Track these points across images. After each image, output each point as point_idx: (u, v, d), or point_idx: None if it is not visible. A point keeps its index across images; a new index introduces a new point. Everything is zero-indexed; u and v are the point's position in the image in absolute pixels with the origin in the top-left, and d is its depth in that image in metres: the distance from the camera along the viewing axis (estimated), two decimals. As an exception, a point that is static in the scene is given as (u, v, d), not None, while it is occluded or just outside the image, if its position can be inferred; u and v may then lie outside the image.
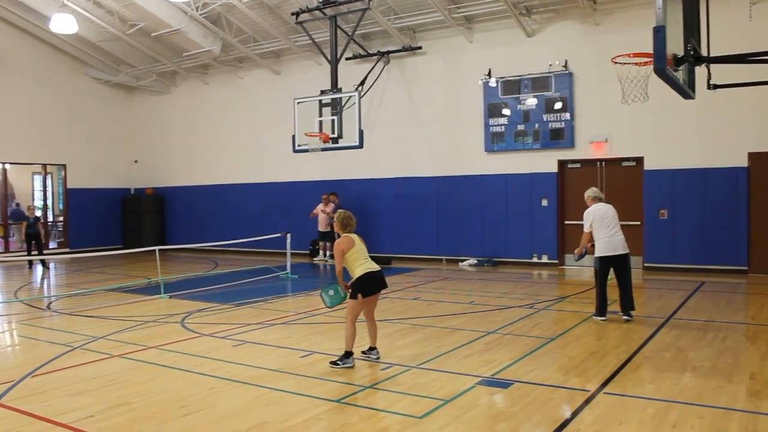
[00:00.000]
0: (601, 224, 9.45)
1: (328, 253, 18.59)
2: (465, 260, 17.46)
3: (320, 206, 18.52)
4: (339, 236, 7.41)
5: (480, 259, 17.23)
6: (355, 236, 7.38)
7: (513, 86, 16.67)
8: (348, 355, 7.17)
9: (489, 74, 16.85)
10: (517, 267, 16.59)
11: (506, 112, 16.77)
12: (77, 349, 8.35)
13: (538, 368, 6.95)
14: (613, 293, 9.66)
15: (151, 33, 19.87)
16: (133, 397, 6.24)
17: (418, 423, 5.35)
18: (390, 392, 6.21)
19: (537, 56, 16.31)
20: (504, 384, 6.39)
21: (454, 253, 17.79)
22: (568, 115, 15.96)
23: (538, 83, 16.30)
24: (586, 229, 9.62)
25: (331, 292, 7.48)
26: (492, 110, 16.96)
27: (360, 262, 7.24)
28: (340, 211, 7.62)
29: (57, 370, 7.31)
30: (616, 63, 9.91)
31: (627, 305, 9.50)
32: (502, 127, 16.88)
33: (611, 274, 9.54)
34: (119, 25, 20.18)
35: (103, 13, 19.82)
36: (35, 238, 18.79)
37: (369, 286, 7.23)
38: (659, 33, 5.89)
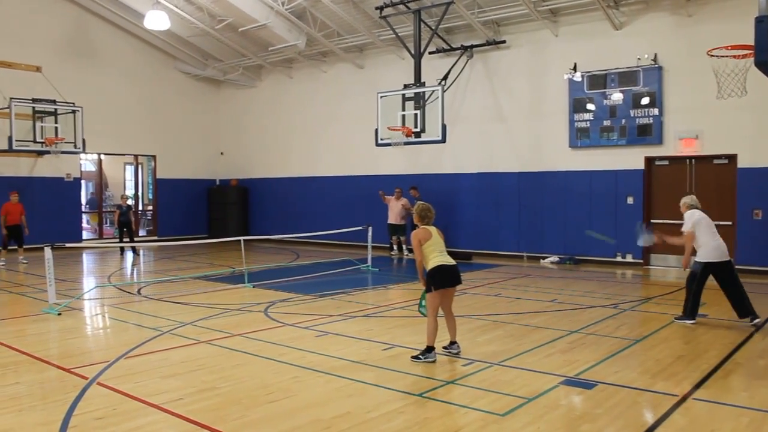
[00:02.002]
0: (708, 230, 9.10)
1: (404, 247, 18.61)
2: (546, 258, 17.22)
3: (392, 198, 18.57)
4: (417, 227, 7.46)
5: (562, 256, 16.96)
6: (433, 228, 7.40)
7: (599, 81, 16.29)
8: (429, 349, 7.19)
9: (574, 68, 16.52)
10: (600, 266, 16.24)
11: (591, 107, 16.41)
12: (166, 333, 8.67)
13: (623, 370, 6.81)
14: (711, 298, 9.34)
15: (239, 28, 20.36)
16: (220, 383, 6.44)
17: (500, 420, 5.33)
18: (472, 388, 6.20)
19: (625, 50, 15.88)
20: (588, 385, 6.29)
21: (535, 250, 17.56)
22: (656, 111, 15.49)
23: (626, 77, 15.87)
24: (688, 230, 9.21)
25: (425, 303, 7.44)
26: (577, 105, 16.64)
27: (435, 254, 7.25)
28: (419, 203, 7.69)
29: (148, 353, 7.62)
30: (712, 56, 9.58)
31: (748, 309, 9.07)
32: (587, 122, 16.54)
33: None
34: (208, 21, 20.76)
35: (193, 9, 20.44)
36: (127, 225, 19.32)
37: (442, 279, 7.19)
38: (762, 24, 5.67)
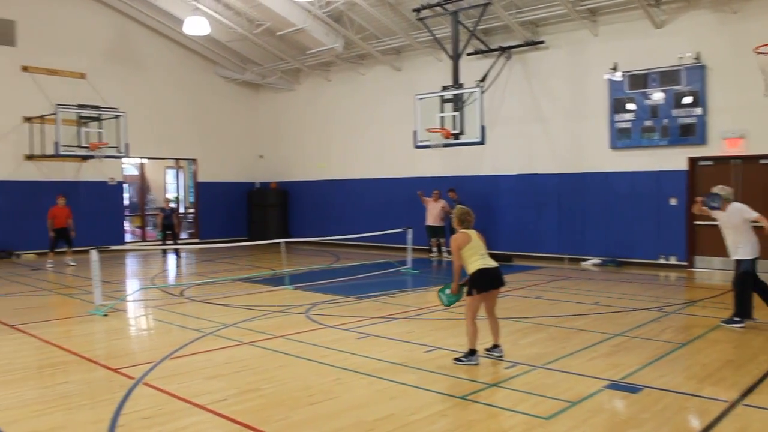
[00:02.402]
0: (750, 225, 8.86)
1: (443, 249, 18.57)
2: (587, 260, 17.02)
3: (430, 200, 18.54)
4: (456, 232, 7.43)
5: (603, 258, 16.76)
6: (472, 232, 7.37)
7: (640, 80, 16.06)
8: (472, 352, 7.17)
9: (614, 68, 16.31)
10: (642, 268, 16.00)
11: (632, 107, 16.19)
12: (209, 335, 8.78)
13: (668, 374, 6.70)
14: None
15: (277, 32, 20.55)
16: (263, 384, 6.50)
17: (544, 424, 5.29)
18: (515, 391, 6.16)
19: (666, 48, 15.62)
20: (633, 389, 6.20)
21: (576, 252, 17.38)
22: (699, 110, 15.22)
23: (667, 77, 15.62)
24: (755, 216, 8.75)
25: (448, 291, 7.51)
26: (617, 105, 16.43)
27: (476, 258, 7.21)
28: (458, 207, 7.68)
29: (192, 354, 7.73)
30: (759, 53, 9.36)
31: None
32: (628, 123, 16.32)
33: None
34: (247, 26, 20.99)
35: (232, 14, 20.68)
36: (171, 228, 19.47)
37: (485, 282, 7.16)
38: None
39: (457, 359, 7.22)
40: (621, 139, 16.45)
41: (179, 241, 20.97)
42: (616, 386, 6.30)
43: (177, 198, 26.00)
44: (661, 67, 15.67)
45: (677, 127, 15.53)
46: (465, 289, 7.30)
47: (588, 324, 9.32)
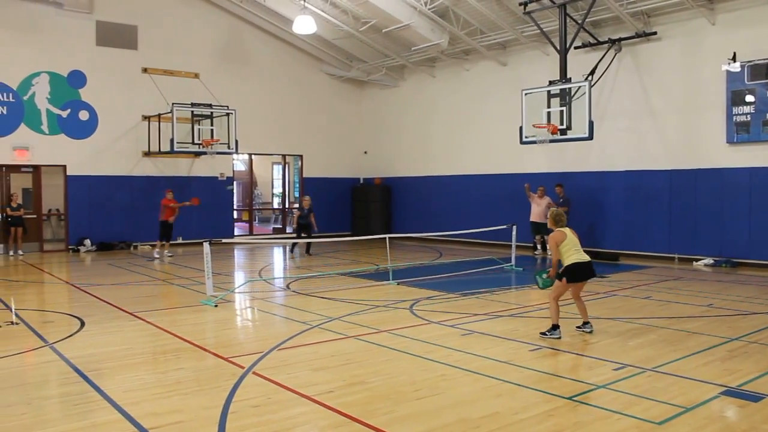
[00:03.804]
0: None
1: (547, 246, 18.23)
2: (700, 260, 16.30)
3: (535, 196, 18.20)
4: (553, 230, 8.46)
5: (717, 258, 16.00)
6: (567, 230, 8.41)
7: (761, 71, 15.21)
8: (555, 327, 8.17)
9: (733, 58, 15.49)
10: (761, 269, 15.17)
11: (752, 99, 15.37)
12: (315, 327, 8.96)
13: (792, 382, 6.34)
14: None
15: (382, 29, 20.72)
16: (369, 377, 6.57)
17: (656, 429, 5.11)
18: (625, 394, 5.97)
19: (792, 37, 14.76)
20: (753, 397, 5.88)
21: (687, 251, 16.67)
22: (828, 102, 14.29)
23: (792, 67, 14.75)
24: None
25: (545, 276, 8.55)
26: (735, 98, 15.63)
27: (571, 252, 8.25)
28: (552, 210, 8.83)
29: (299, 346, 7.91)
30: None
31: None
32: (748, 116, 15.50)
33: None
34: (352, 23, 21.27)
35: (338, 12, 21.02)
36: (306, 228, 18.90)
37: (576, 274, 8.24)
38: None
39: (542, 333, 8.25)
40: (739, 132, 15.64)
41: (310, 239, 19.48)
42: (733, 393, 6.00)
43: (282, 193, 26.66)
44: (785, 57, 14.80)
45: (802, 120, 14.63)
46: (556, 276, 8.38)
47: (701, 327, 8.92)
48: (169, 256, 18.03)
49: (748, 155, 15.61)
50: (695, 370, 6.76)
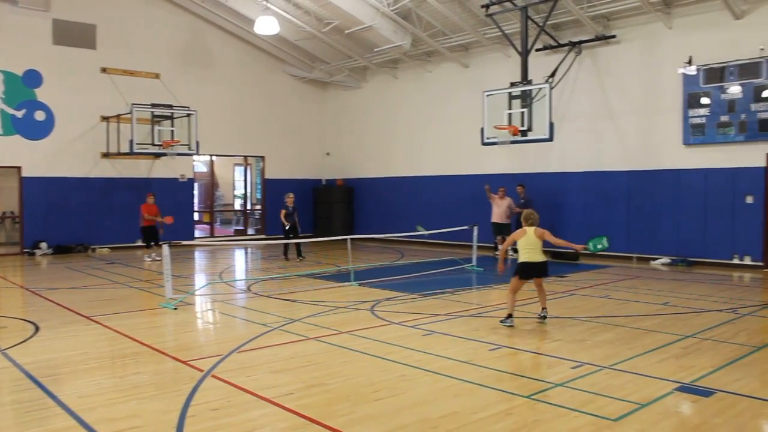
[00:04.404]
0: None
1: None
2: (657, 259, 16.59)
3: (496, 197, 18.32)
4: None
5: (674, 258, 16.31)
6: (531, 230, 9.07)
7: (716, 74, 15.55)
8: (509, 316, 8.95)
9: (689, 62, 15.81)
10: (715, 268, 15.51)
11: (707, 101, 15.69)
12: (276, 329, 8.91)
13: (744, 378, 6.48)
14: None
15: (345, 30, 20.71)
16: (328, 379, 6.56)
17: (612, 426, 5.18)
18: (582, 391, 6.05)
19: (746, 40, 15.05)
20: (705, 392, 6.01)
21: (645, 251, 16.95)
22: (780, 105, 14.63)
23: (746, 70, 15.05)
24: None
25: (599, 246, 9.46)
26: (692, 100, 15.94)
27: (524, 252, 9.05)
28: (525, 211, 9.44)
29: (259, 348, 7.86)
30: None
31: None
32: (703, 118, 15.82)
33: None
34: (315, 24, 21.22)
35: (300, 13, 20.95)
36: (293, 228, 17.81)
37: (525, 272, 9.08)
38: None
39: (501, 320, 9.00)
40: (695, 134, 15.96)
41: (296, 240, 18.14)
42: (687, 389, 6.12)
43: (244, 194, 26.48)
44: (740, 60, 15.13)
45: (756, 122, 14.97)
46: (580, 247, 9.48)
47: (657, 325, 9.08)
48: (157, 260, 17.46)
49: (703, 156, 15.94)
50: (651, 367, 6.88)
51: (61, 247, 19.88)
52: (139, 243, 18.23)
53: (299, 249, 18.12)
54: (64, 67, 20.16)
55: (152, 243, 17.88)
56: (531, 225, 9.10)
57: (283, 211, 17.80)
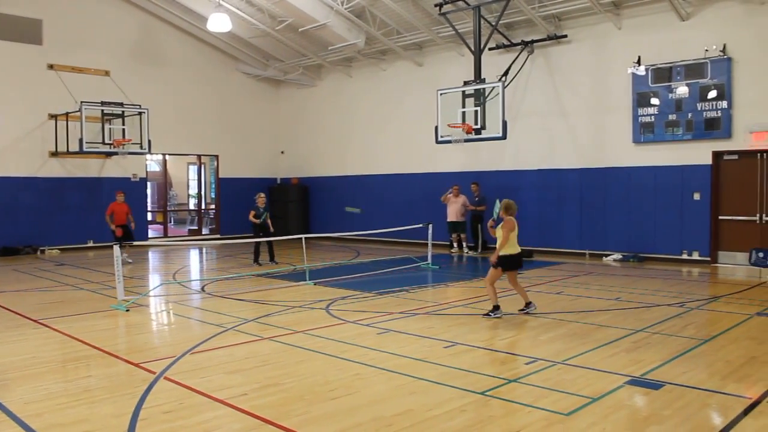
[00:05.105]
0: None
1: (464, 244, 18.59)
2: (609, 255, 16.90)
3: (450, 195, 18.44)
4: (503, 219, 9.38)
5: (625, 254, 16.62)
6: (514, 220, 9.39)
7: (664, 74, 15.89)
8: (496, 308, 9.21)
9: (638, 62, 16.14)
10: (664, 263, 15.86)
11: (656, 101, 16.02)
12: (230, 330, 8.82)
13: (691, 370, 6.63)
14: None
15: (299, 28, 20.60)
16: (283, 379, 6.52)
17: (564, 420, 5.25)
18: (535, 387, 6.13)
19: (691, 41, 15.44)
20: (654, 385, 6.14)
21: (597, 247, 17.26)
22: (725, 104, 15.01)
23: (692, 70, 15.42)
24: None
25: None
26: (641, 100, 16.26)
27: (515, 242, 9.35)
28: (505, 200, 9.60)
29: (212, 349, 7.77)
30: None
31: None
32: (652, 117, 16.15)
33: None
34: (269, 22, 21.06)
35: (254, 11, 20.78)
36: (264, 230, 16.51)
37: (510, 263, 9.29)
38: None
39: (485, 314, 9.25)
40: (644, 133, 16.29)
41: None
42: (637, 382, 6.24)
43: (198, 194, 26.17)
44: (686, 61, 15.49)
45: (702, 121, 15.34)
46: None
47: (609, 320, 9.25)
48: (129, 262, 17.09)
49: (652, 154, 16.27)
50: (602, 361, 7.00)
51: (8, 248, 19.34)
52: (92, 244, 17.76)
53: (272, 252, 16.79)
54: (8, 63, 19.58)
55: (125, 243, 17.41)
56: (513, 215, 9.45)
57: (253, 212, 16.56)
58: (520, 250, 9.42)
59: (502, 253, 9.21)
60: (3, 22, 19.54)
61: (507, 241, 9.21)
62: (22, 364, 7.20)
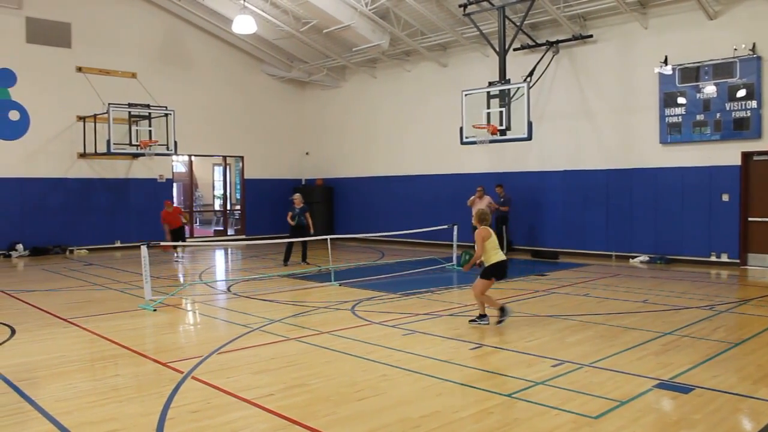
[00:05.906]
0: None
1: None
2: (636, 257, 16.74)
3: (475, 198, 18.34)
4: (477, 228, 9.15)
5: (652, 256, 16.46)
6: (488, 228, 9.07)
7: (691, 74, 15.71)
8: (483, 316, 9.01)
9: (665, 62, 15.98)
10: (692, 266, 15.68)
11: (683, 101, 15.85)
12: (256, 330, 8.86)
13: (722, 374, 6.54)
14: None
15: (323, 30, 20.67)
16: (310, 379, 6.53)
17: (592, 423, 5.20)
18: (562, 389, 6.08)
19: (720, 40, 15.25)
20: (684, 389, 6.06)
21: (624, 249, 17.10)
22: (754, 103, 14.81)
23: (721, 69, 15.24)
24: None
25: (467, 257, 9.37)
26: (668, 100, 16.09)
27: (496, 250, 9.00)
28: (479, 209, 9.60)
29: (239, 349, 7.81)
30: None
31: None
32: (679, 117, 15.98)
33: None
34: (293, 24, 21.15)
35: (279, 12, 20.88)
36: (301, 231, 16.40)
37: (499, 272, 9.02)
38: None
39: (471, 320, 9.11)
40: (671, 134, 16.12)
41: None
42: (666, 386, 6.17)
43: (223, 195, 26.32)
44: (715, 60, 15.31)
45: (730, 121, 15.15)
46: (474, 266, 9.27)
47: (636, 322, 9.16)
48: (181, 258, 18.13)
49: (679, 155, 16.10)
50: (630, 364, 6.92)
51: (38, 248, 19.64)
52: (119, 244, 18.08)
53: (305, 252, 16.66)
54: (38, 66, 19.90)
55: (179, 243, 18.09)
56: (488, 224, 9.14)
57: (290, 213, 16.57)
58: (505, 258, 9.08)
59: (490, 262, 8.89)
60: (33, 26, 19.85)
61: (483, 251, 8.86)
62: (52, 363, 7.30)
